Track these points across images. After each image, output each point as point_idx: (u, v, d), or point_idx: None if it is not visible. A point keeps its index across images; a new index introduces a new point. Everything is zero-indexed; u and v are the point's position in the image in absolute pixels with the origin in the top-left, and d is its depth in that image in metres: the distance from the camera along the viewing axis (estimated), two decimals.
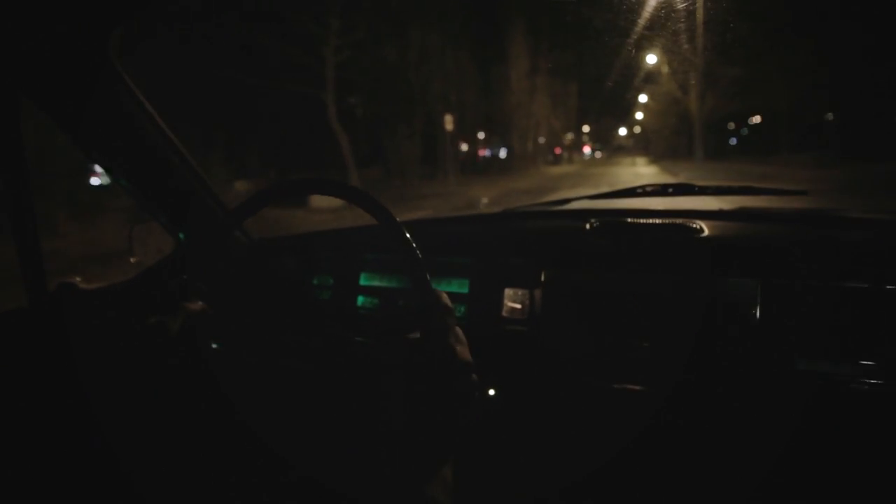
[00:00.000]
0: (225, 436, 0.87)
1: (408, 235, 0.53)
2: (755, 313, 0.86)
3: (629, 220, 1.11)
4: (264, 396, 0.95)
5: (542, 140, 33.14)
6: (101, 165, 1.04)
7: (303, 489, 0.83)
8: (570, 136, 39.97)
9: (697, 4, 1.35)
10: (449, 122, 16.45)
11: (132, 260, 1.17)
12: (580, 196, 1.37)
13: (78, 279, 1.04)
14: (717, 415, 0.87)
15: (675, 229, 1.05)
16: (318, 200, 9.06)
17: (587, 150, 54.55)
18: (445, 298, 0.54)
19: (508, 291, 1.03)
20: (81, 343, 0.87)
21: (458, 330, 0.53)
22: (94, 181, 8.81)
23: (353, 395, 0.81)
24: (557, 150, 41.31)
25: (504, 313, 1.02)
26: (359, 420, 0.72)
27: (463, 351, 0.51)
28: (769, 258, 0.88)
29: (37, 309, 0.92)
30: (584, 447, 0.94)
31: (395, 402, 0.48)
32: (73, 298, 1.00)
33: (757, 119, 23.08)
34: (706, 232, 1.02)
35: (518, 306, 1.01)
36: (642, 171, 22.39)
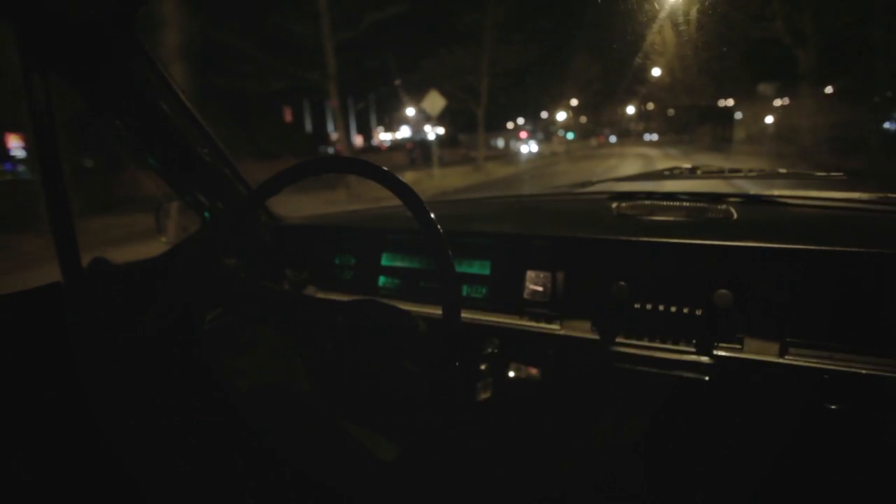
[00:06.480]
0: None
1: (438, 227, 0.51)
2: (780, 299, 0.84)
3: (656, 202, 1.09)
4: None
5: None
6: (128, 143, 1.06)
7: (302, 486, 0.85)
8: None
9: None
10: None
11: (161, 238, 1.20)
12: (605, 179, 1.35)
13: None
14: (743, 401, 0.86)
15: (703, 212, 1.03)
16: None
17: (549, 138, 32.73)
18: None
19: (530, 273, 1.02)
20: (114, 315, 0.90)
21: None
22: None
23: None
24: (524, 134, 30.62)
25: (526, 295, 1.01)
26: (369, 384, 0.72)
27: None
28: (797, 244, 0.85)
29: (72, 283, 0.95)
30: (606, 432, 0.94)
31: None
32: (106, 273, 1.03)
33: None
34: (735, 216, 0.99)
35: (540, 288, 1.01)
36: None
